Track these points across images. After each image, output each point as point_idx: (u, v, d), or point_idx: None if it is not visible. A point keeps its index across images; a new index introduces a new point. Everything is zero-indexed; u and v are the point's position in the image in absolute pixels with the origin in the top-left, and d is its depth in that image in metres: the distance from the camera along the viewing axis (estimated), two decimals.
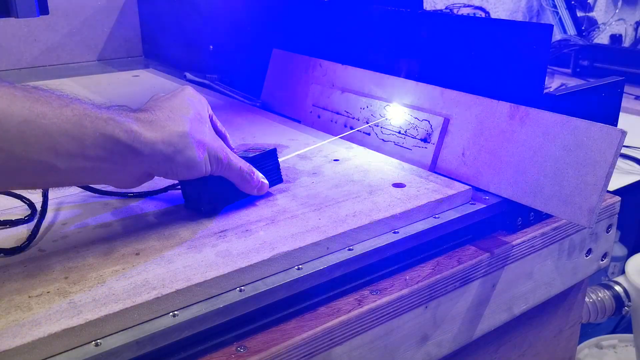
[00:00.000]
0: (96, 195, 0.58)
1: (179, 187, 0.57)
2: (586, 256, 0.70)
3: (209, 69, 1.18)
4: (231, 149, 0.60)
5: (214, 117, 0.57)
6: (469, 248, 0.58)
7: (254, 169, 0.56)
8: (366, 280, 0.52)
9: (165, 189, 0.59)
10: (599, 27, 1.96)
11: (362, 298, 0.50)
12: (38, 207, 0.54)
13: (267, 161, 0.58)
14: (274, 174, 0.59)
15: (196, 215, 0.54)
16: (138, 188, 0.58)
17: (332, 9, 0.88)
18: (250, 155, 0.57)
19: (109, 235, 0.50)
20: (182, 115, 0.49)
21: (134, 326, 0.40)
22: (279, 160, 0.60)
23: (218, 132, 0.58)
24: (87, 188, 0.58)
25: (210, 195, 0.54)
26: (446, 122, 0.67)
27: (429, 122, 0.68)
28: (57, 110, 0.41)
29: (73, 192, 0.58)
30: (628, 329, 1.34)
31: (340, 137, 0.74)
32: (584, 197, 0.53)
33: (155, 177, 0.50)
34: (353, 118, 0.78)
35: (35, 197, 0.56)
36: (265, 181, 0.57)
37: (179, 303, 0.42)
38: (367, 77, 0.78)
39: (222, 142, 0.53)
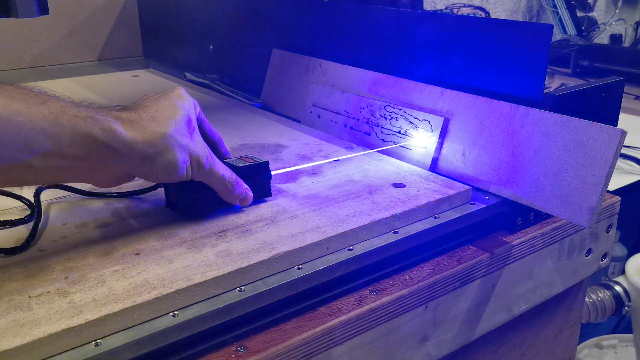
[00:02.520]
0: (95, 195, 0.58)
1: None
2: (586, 256, 0.70)
3: (209, 69, 1.18)
4: (225, 152, 0.59)
5: (206, 121, 0.55)
6: (469, 248, 0.58)
7: (239, 180, 0.54)
8: (366, 280, 0.52)
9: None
10: (599, 27, 1.97)
11: (362, 298, 0.50)
12: None
13: (257, 173, 0.56)
14: (263, 188, 0.57)
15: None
16: (135, 186, 0.58)
17: (332, 9, 0.88)
18: (240, 165, 0.56)
19: (108, 235, 0.50)
20: (167, 116, 0.48)
21: (134, 326, 0.40)
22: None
23: (210, 136, 0.56)
24: (84, 192, 0.58)
25: (187, 200, 0.53)
26: (446, 122, 0.67)
27: (429, 122, 0.68)
28: (33, 107, 0.40)
29: (73, 193, 0.58)
30: (628, 329, 1.34)
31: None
32: (584, 197, 0.53)
33: None
34: (353, 118, 0.78)
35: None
36: (250, 193, 0.55)
37: (179, 303, 0.42)
38: (367, 77, 0.78)
39: (207, 147, 0.52)
